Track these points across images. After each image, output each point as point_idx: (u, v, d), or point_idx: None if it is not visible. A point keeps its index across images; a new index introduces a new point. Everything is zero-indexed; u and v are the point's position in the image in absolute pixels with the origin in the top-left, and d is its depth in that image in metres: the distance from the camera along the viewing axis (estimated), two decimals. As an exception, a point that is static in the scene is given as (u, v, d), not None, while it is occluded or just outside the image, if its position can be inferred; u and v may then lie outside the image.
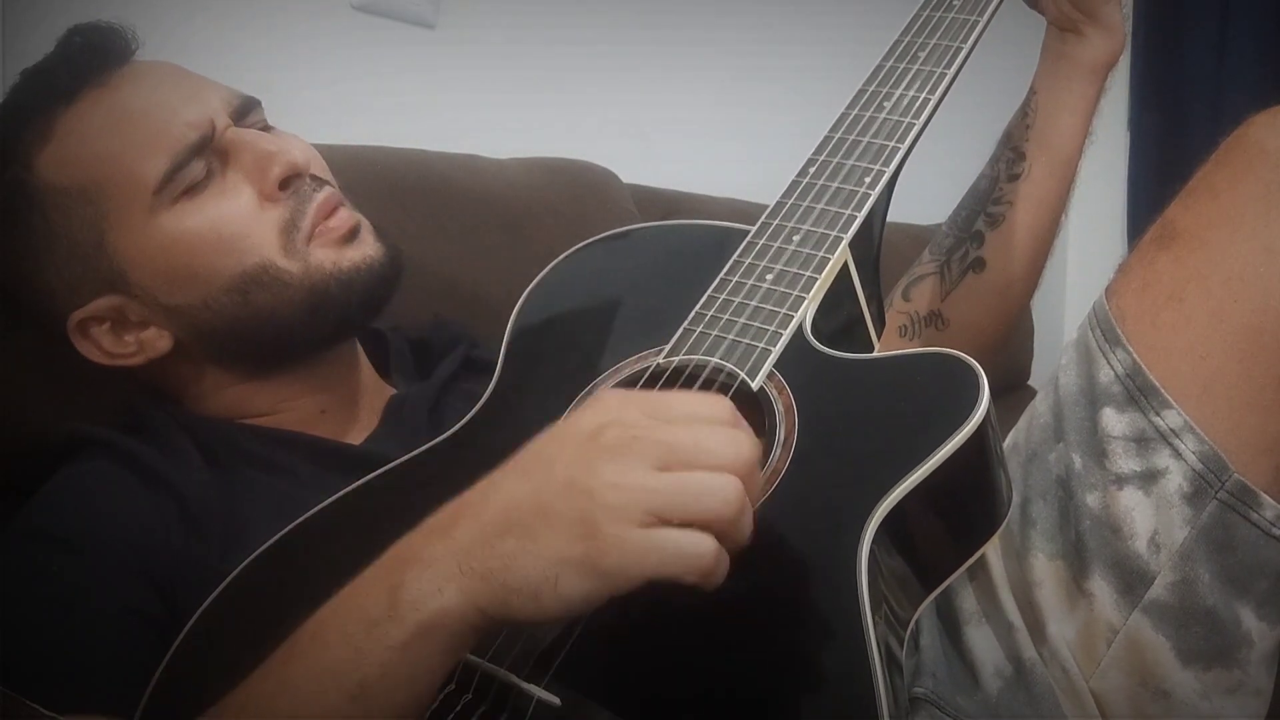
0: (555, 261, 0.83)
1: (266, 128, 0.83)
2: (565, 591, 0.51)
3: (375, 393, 0.88)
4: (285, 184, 0.79)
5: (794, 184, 0.75)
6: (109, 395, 0.84)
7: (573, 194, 1.22)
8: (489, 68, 1.36)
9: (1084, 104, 0.91)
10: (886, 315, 0.95)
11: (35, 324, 0.82)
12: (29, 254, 0.79)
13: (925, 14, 0.81)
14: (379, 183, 1.03)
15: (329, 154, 0.85)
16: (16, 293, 0.81)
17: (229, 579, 0.65)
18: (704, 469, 0.52)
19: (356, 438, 0.84)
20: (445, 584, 0.52)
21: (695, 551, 0.51)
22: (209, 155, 0.78)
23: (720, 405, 0.55)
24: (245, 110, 0.81)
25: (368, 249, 0.81)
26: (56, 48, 0.80)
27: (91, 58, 0.79)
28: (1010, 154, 0.93)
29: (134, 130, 0.77)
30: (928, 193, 0.99)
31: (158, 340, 0.80)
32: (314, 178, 0.82)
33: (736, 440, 0.53)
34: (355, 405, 0.86)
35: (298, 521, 0.67)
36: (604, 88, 1.46)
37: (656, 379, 0.67)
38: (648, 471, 0.51)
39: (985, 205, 0.94)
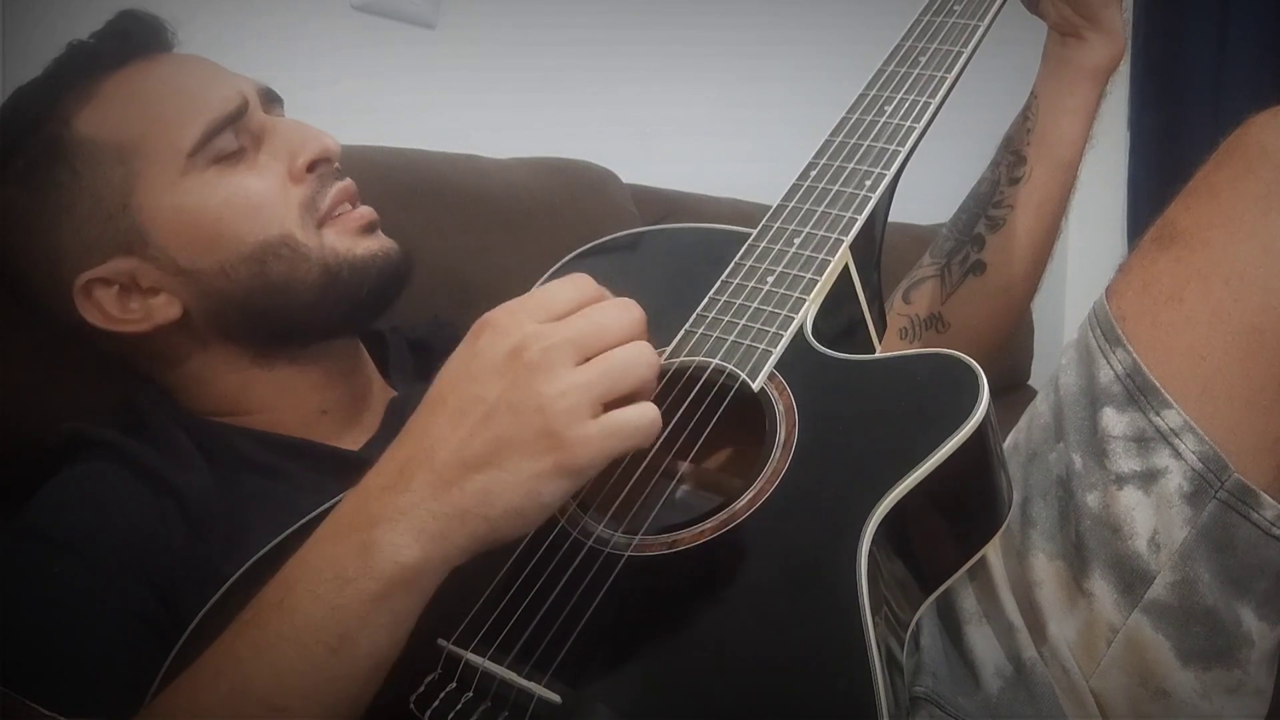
0: (557, 265, 0.83)
1: None
2: (547, 499, 0.56)
3: (377, 394, 0.88)
4: (313, 167, 0.82)
5: (795, 187, 0.75)
6: (109, 395, 0.84)
7: (573, 194, 1.22)
8: (489, 68, 1.36)
9: (1085, 108, 0.92)
10: (887, 318, 0.95)
11: (36, 292, 0.82)
12: (48, 211, 0.79)
13: (926, 19, 0.81)
14: (379, 183, 1.03)
15: (329, 152, 0.86)
16: (22, 255, 0.81)
17: (229, 583, 0.65)
18: (614, 345, 0.57)
19: (357, 440, 0.84)
20: (419, 533, 0.55)
21: (645, 420, 0.57)
22: (242, 133, 0.80)
23: (584, 280, 0.61)
24: (271, 98, 0.85)
25: (384, 242, 0.84)
26: (106, 26, 0.83)
27: (142, 36, 0.82)
28: (1011, 157, 0.94)
29: (175, 97, 0.80)
30: (928, 194, 0.99)
31: (167, 307, 0.80)
32: (337, 169, 0.84)
33: (622, 307, 0.59)
34: (357, 406, 0.86)
35: (298, 524, 0.67)
36: (604, 88, 1.46)
37: (658, 380, 0.67)
38: (575, 370, 0.56)
39: (986, 208, 0.94)
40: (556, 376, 0.56)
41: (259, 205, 0.79)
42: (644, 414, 0.57)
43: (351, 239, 0.82)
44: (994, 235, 0.94)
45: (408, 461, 0.57)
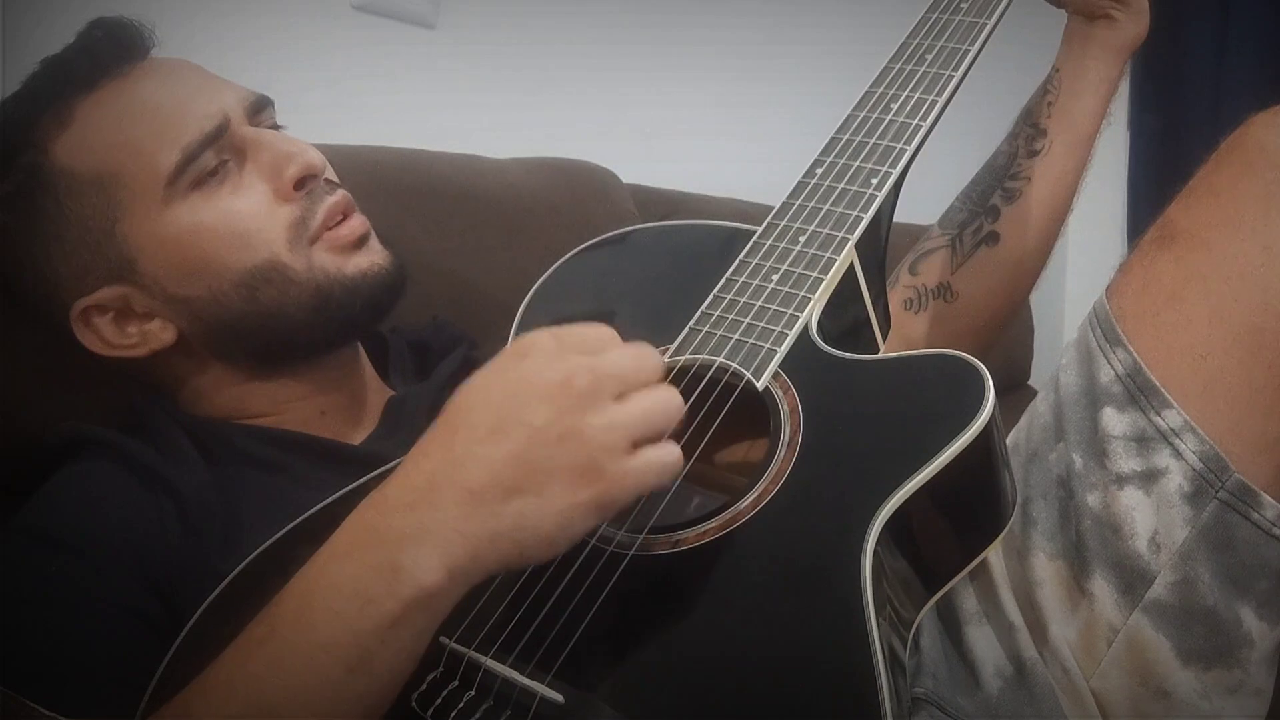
0: (560, 261, 0.83)
1: (275, 127, 0.83)
2: (578, 530, 0.56)
3: (376, 395, 0.88)
4: (300, 184, 0.80)
5: (801, 185, 0.75)
6: (109, 395, 0.84)
7: (573, 194, 1.22)
8: (489, 68, 1.36)
9: (1107, 83, 0.93)
10: (892, 292, 0.95)
11: (36, 314, 0.82)
12: (38, 239, 0.79)
13: (933, 17, 0.81)
14: (379, 183, 1.03)
15: (329, 154, 0.85)
16: (20, 280, 0.81)
17: (229, 578, 0.65)
18: (645, 387, 0.58)
19: (356, 439, 0.84)
20: (446, 555, 0.54)
21: (672, 459, 0.58)
22: (224, 150, 0.79)
23: (604, 329, 0.60)
24: (259, 107, 0.82)
25: (376, 256, 0.82)
26: (77, 39, 0.81)
27: (113, 49, 0.80)
28: (1030, 130, 0.94)
29: (151, 121, 0.78)
30: (931, 194, 0.99)
31: (162, 332, 0.80)
32: (328, 181, 0.82)
33: (646, 352, 0.59)
34: (356, 407, 0.86)
35: (297, 520, 0.67)
36: (604, 88, 1.46)
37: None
38: (616, 406, 0.56)
39: (1002, 180, 0.95)
40: (602, 410, 0.56)
41: (244, 230, 0.78)
42: (672, 453, 0.57)
43: (341, 257, 0.80)
44: (1009, 207, 0.94)
45: (435, 475, 0.56)
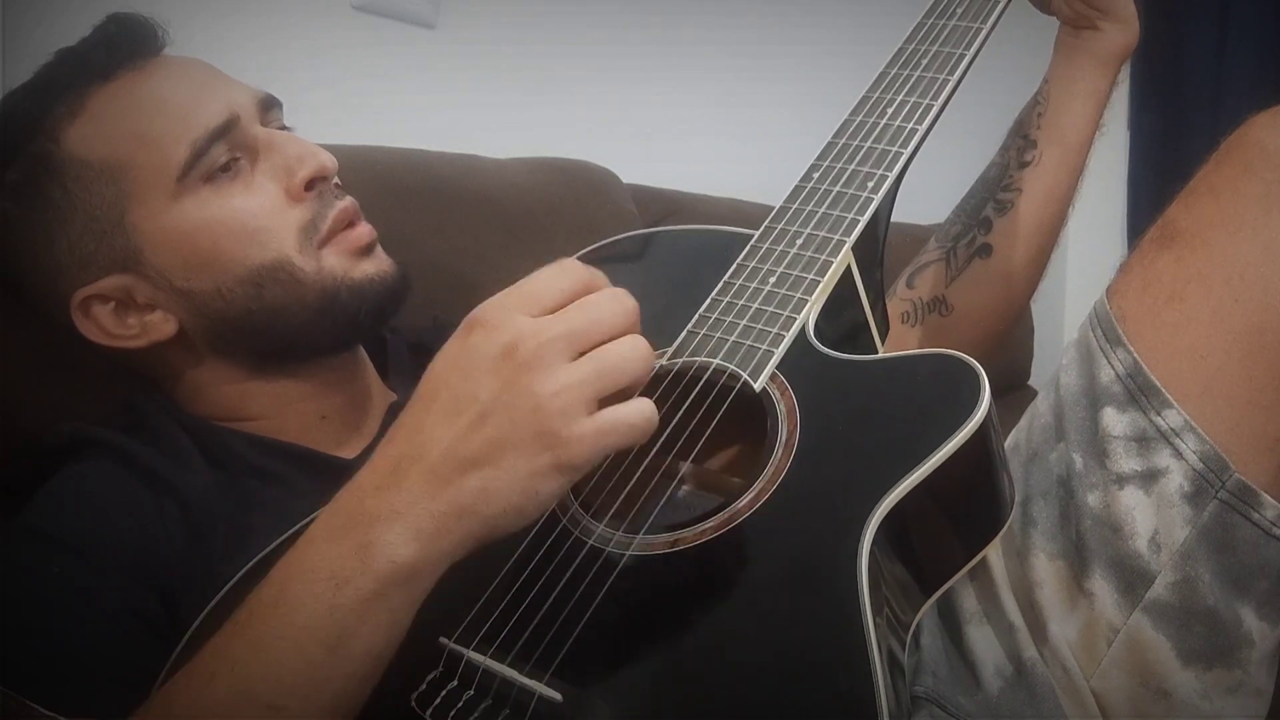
0: None
1: (283, 128, 0.84)
2: (544, 497, 0.56)
3: (377, 398, 0.88)
4: (311, 185, 0.80)
5: (798, 188, 0.76)
6: (109, 395, 0.84)
7: (573, 194, 1.22)
8: (489, 68, 1.36)
9: (1097, 92, 0.93)
10: (889, 304, 0.95)
11: (35, 304, 0.82)
12: (43, 226, 0.79)
13: (929, 22, 0.82)
14: (379, 183, 1.03)
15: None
16: (20, 268, 0.81)
17: (230, 584, 0.65)
18: (608, 338, 0.57)
19: (356, 446, 0.84)
20: (417, 532, 0.55)
21: (640, 417, 0.57)
22: (236, 147, 0.79)
23: (574, 268, 0.59)
24: (268, 106, 0.83)
25: (382, 263, 0.83)
26: (94, 31, 0.81)
27: (130, 43, 0.81)
28: (1021, 142, 0.94)
29: (164, 115, 0.79)
30: (928, 194, 0.99)
31: (163, 324, 0.80)
32: (337, 186, 0.83)
33: (615, 298, 0.58)
34: (356, 412, 0.86)
35: (297, 527, 0.67)
36: (604, 88, 1.46)
37: (659, 380, 0.67)
38: (569, 367, 0.56)
39: (995, 192, 0.95)
40: (550, 375, 0.55)
41: (255, 228, 0.78)
42: (639, 410, 0.57)
43: (350, 260, 0.81)
44: (1001, 219, 0.94)
45: (401, 459, 0.57)
